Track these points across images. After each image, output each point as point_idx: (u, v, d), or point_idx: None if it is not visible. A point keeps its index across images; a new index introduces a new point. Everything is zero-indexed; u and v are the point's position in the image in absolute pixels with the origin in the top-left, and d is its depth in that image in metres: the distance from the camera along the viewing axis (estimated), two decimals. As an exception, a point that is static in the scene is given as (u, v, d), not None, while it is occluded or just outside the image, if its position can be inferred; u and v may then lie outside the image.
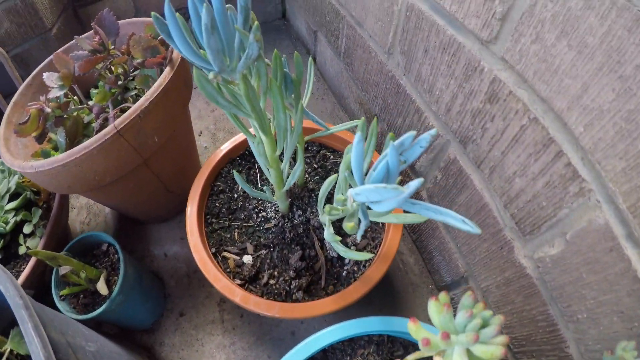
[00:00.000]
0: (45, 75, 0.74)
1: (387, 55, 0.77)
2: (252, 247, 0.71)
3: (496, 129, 0.54)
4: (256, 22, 0.43)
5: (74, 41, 0.88)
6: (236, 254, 0.70)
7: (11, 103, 0.83)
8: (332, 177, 0.59)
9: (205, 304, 0.82)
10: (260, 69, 0.52)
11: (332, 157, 0.78)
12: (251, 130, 0.58)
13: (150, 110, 0.66)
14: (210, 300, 0.82)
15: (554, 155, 0.45)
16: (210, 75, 0.49)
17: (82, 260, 0.80)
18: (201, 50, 0.45)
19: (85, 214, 0.98)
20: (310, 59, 0.63)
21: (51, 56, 0.88)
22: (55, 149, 0.74)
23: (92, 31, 0.88)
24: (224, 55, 0.46)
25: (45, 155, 0.72)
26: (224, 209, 0.75)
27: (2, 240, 0.83)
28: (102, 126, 0.70)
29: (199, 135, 1.04)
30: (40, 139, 0.74)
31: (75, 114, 0.74)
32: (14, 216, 0.85)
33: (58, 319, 0.60)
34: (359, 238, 0.49)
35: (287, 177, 0.71)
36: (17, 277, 0.83)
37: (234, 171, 0.61)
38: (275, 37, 1.23)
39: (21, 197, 0.86)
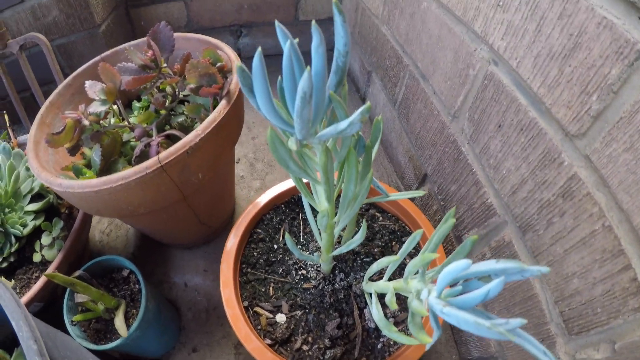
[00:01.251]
0: (87, 84, 0.63)
1: (451, 118, 0.67)
2: (288, 306, 0.61)
3: (564, 225, 0.47)
4: (368, 104, 0.32)
5: (122, 46, 0.77)
6: (270, 311, 0.60)
7: (47, 102, 0.72)
8: (391, 259, 0.49)
9: (221, 344, 0.72)
10: (346, 140, 0.42)
11: (380, 218, 0.68)
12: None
13: (200, 147, 0.56)
14: (227, 342, 0.72)
15: (621, 267, 0.40)
16: (292, 145, 0.39)
17: (99, 281, 0.69)
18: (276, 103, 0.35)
19: (107, 223, 0.87)
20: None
21: (96, 58, 0.77)
22: (88, 165, 0.63)
23: (142, 39, 0.77)
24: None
25: (77, 171, 0.61)
26: (261, 260, 0.64)
27: (17, 244, 0.72)
28: (144, 153, 0.59)
29: (237, 163, 0.93)
30: (72, 150, 0.63)
31: (114, 130, 0.64)
32: (33, 219, 0.75)
33: (67, 347, 0.49)
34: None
35: (338, 243, 0.61)
36: (27, 284, 0.73)
37: (287, 234, 0.51)
38: None
39: (44, 201, 0.75)
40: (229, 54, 0.65)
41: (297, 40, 0.33)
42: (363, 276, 0.64)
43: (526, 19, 0.47)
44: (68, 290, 0.66)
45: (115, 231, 0.87)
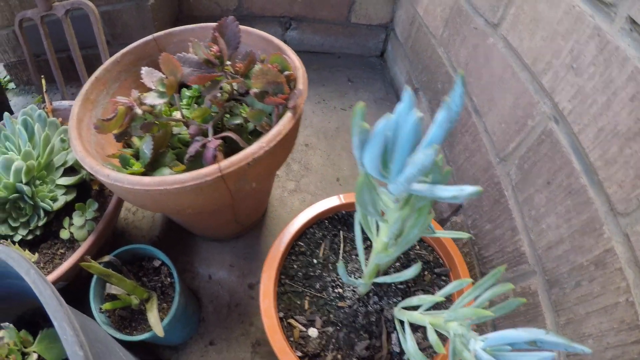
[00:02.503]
0: (144, 71, 0.55)
1: (499, 160, 0.62)
2: (321, 322, 0.57)
3: (591, 290, 0.45)
4: (479, 188, 0.28)
5: (177, 29, 0.69)
6: (303, 325, 0.56)
7: (93, 78, 0.64)
8: (434, 299, 0.46)
9: (239, 341, 0.68)
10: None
11: (417, 247, 0.64)
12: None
13: (262, 159, 0.50)
14: (245, 339, 0.68)
15: (634, 339, 0.39)
16: (391, 204, 0.34)
17: (129, 268, 0.64)
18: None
19: (135, 202, 0.81)
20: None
21: (148, 37, 0.68)
22: (135, 156, 0.56)
23: (199, 25, 0.69)
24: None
25: (124, 161, 0.54)
26: (300, 273, 0.60)
27: (45, 218, 0.65)
28: (199, 153, 0.53)
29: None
30: (119, 137, 0.56)
31: (166, 122, 0.57)
32: (64, 194, 0.68)
33: (97, 338, 0.45)
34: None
35: (381, 272, 0.57)
36: (50, 260, 0.66)
37: (339, 263, 0.46)
38: (368, 76, 1.01)
39: (77, 177, 0.68)
40: (294, 60, 0.58)
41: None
42: (395, 302, 0.60)
43: (597, 89, 0.43)
44: (96, 276, 0.61)
45: (141, 211, 0.81)
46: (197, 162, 0.55)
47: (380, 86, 0.94)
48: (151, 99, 0.52)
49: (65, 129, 0.72)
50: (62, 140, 0.70)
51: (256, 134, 0.61)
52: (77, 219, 0.62)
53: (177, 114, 0.60)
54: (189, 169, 0.54)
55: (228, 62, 0.56)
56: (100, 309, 0.58)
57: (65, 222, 0.67)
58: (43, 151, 0.68)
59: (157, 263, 0.63)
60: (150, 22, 0.87)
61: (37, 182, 0.67)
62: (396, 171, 0.30)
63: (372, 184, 0.36)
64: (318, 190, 0.80)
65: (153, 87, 0.54)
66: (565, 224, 0.49)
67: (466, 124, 0.71)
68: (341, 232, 0.65)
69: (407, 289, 0.61)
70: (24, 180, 0.64)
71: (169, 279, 0.62)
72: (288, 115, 0.53)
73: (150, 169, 0.55)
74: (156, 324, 0.53)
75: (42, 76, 0.74)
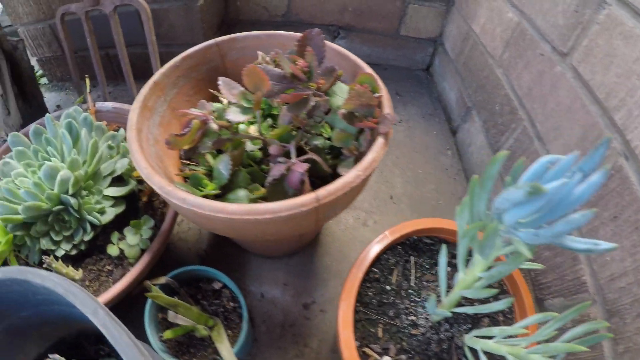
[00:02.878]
0: (222, 82, 0.49)
1: None
2: (395, 350, 0.53)
3: None
4: (615, 245, 0.25)
5: (242, 34, 0.62)
6: (378, 353, 0.52)
7: (151, 83, 0.57)
8: (512, 330, 0.44)
9: (293, 364, 0.63)
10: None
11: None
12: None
13: (357, 187, 0.45)
14: (301, 362, 0.63)
15: None
16: (500, 245, 0.31)
17: (186, 289, 0.58)
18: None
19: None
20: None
21: (210, 42, 0.61)
22: (209, 175, 0.50)
23: (265, 32, 0.63)
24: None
25: (195, 182, 0.48)
26: (374, 301, 0.55)
27: (92, 232, 0.58)
28: (282, 177, 0.47)
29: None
30: (189, 153, 0.50)
31: (242, 139, 0.51)
32: (112, 205, 0.61)
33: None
34: None
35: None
36: (96, 277, 0.59)
37: (432, 299, 0.42)
38: (415, 89, 0.95)
39: (127, 189, 0.61)
40: (378, 81, 0.53)
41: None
42: (465, 329, 0.56)
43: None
44: (150, 300, 0.54)
45: (187, 222, 0.74)
46: (279, 185, 0.49)
47: (428, 101, 0.90)
48: (233, 114, 0.46)
49: (113, 134, 0.64)
50: (110, 147, 0.63)
51: (333, 155, 0.56)
52: (132, 237, 0.56)
53: (250, 130, 0.53)
54: (270, 193, 0.49)
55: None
56: (161, 337, 0.52)
57: (114, 237, 0.60)
58: (91, 159, 0.60)
59: (217, 285, 0.57)
60: (199, 23, 0.79)
61: (83, 192, 0.59)
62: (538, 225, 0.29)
63: (498, 230, 0.32)
64: (372, 207, 0.76)
65: (234, 101, 0.47)
66: (630, 258, 0.48)
67: (528, 149, 0.67)
68: (412, 257, 0.60)
69: (475, 315, 0.58)
70: (70, 192, 0.57)
71: (231, 304, 0.56)
72: (380, 141, 0.48)
73: (224, 190, 0.49)
74: (229, 357, 0.47)
75: (87, 75, 0.67)
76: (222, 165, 0.47)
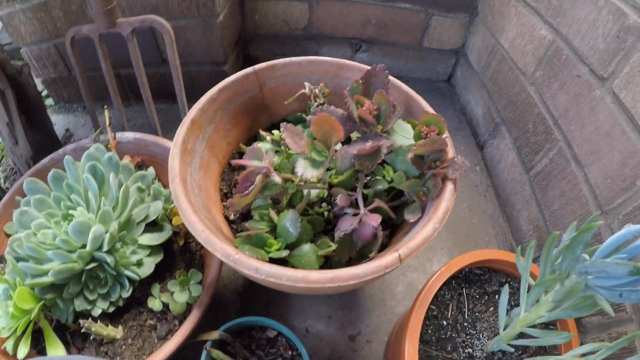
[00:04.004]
0: (287, 130, 0.39)
1: (600, 212, 0.54)
2: (458, 389, 0.47)
3: None
4: None
5: (280, 61, 0.52)
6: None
7: (188, 121, 0.46)
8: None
9: (346, 397, 0.57)
10: None
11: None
12: None
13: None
14: (353, 395, 0.57)
15: None
16: None
17: (239, 341, 0.49)
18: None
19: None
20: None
21: (248, 70, 0.51)
22: (272, 231, 0.41)
23: (298, 59, 0.52)
24: None
25: (260, 242, 0.39)
26: (433, 338, 0.49)
27: (130, 288, 0.49)
28: (353, 232, 0.39)
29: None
30: (247, 209, 0.41)
31: (303, 190, 0.41)
32: (149, 255, 0.50)
33: None
34: None
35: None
36: (138, 334, 0.50)
37: (498, 340, 0.37)
38: (439, 102, 0.87)
39: (166, 235, 0.51)
40: (443, 122, 0.45)
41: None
42: (517, 356, 0.52)
43: None
44: (205, 353, 0.46)
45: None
46: (348, 238, 0.41)
47: (452, 115, 0.82)
48: (304, 169, 0.37)
49: (142, 174, 0.53)
50: (140, 190, 0.52)
51: (390, 197, 0.47)
52: (179, 295, 0.46)
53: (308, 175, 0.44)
54: (339, 248, 0.40)
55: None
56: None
57: (154, 289, 0.50)
58: (123, 207, 0.49)
59: (271, 333, 0.49)
60: (219, 40, 0.67)
61: (117, 245, 0.49)
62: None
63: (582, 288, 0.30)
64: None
65: (299, 151, 0.38)
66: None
67: (564, 171, 0.61)
68: (464, 289, 0.54)
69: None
70: (105, 248, 0.46)
71: (290, 352, 0.48)
72: (450, 187, 0.41)
73: (289, 246, 0.40)
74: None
75: (105, 106, 0.54)
76: (290, 223, 0.38)
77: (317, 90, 0.49)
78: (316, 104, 0.48)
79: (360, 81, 0.41)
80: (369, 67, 0.53)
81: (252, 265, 0.35)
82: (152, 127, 0.62)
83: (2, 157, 0.65)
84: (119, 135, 0.59)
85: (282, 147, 0.47)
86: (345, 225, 0.40)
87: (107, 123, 0.56)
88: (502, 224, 0.73)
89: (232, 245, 0.37)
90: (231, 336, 0.48)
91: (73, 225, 0.45)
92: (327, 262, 0.43)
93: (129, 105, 0.78)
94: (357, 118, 0.40)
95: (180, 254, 0.55)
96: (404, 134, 0.45)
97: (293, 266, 0.40)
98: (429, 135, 0.42)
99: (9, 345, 0.46)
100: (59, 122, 0.80)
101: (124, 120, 0.61)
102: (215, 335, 0.47)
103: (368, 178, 0.45)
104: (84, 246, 0.47)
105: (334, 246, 0.39)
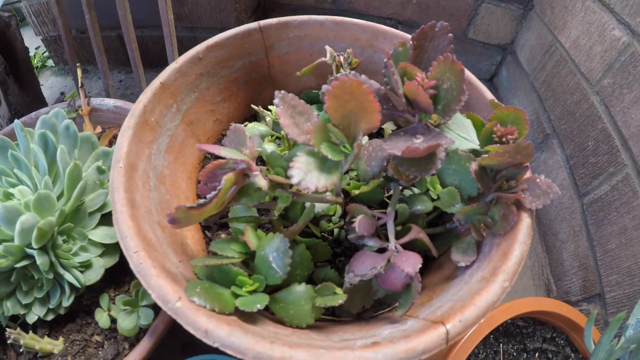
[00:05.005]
0: (281, 100, 0.20)
1: None
2: None
3: None
4: None
5: (294, 19, 0.32)
6: None
7: (157, 84, 0.28)
8: None
9: None
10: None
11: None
12: None
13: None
14: None
15: None
16: None
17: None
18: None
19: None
20: None
21: (251, 25, 0.31)
22: (247, 262, 0.22)
23: (322, 18, 0.32)
24: None
25: (225, 278, 0.20)
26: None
27: (72, 295, 0.31)
28: (374, 278, 0.20)
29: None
30: (212, 226, 0.22)
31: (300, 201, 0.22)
32: (100, 255, 0.33)
33: None
34: None
35: None
36: (82, 350, 0.33)
37: None
38: None
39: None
40: (526, 122, 0.24)
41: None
42: None
43: None
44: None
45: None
46: (365, 285, 0.22)
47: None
48: (304, 172, 0.17)
49: (105, 151, 0.35)
50: (101, 171, 0.33)
51: (429, 221, 0.28)
52: (125, 319, 0.29)
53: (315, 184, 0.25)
54: (350, 298, 0.22)
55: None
56: None
57: (103, 301, 0.33)
58: (70, 191, 0.31)
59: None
60: (231, 4, 0.48)
61: (60, 239, 0.31)
62: None
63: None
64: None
65: (305, 142, 0.19)
66: None
67: (629, 203, 0.40)
68: (501, 345, 0.35)
69: None
70: (35, 245, 0.29)
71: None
72: (527, 223, 0.23)
73: (272, 287, 0.22)
74: None
75: (78, 65, 0.36)
76: (275, 256, 0.20)
77: (341, 58, 0.29)
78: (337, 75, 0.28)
79: (411, 44, 0.21)
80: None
81: (199, 325, 0.17)
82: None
83: None
84: (97, 101, 0.41)
85: (284, 132, 0.28)
86: (364, 268, 0.21)
87: (79, 84, 0.37)
88: (540, 254, 0.52)
89: (175, 283, 0.19)
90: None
91: (0, 210, 0.28)
92: (328, 309, 0.24)
93: (128, 71, 0.59)
94: (403, 97, 0.20)
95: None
96: (461, 133, 0.25)
97: (274, 315, 0.22)
98: (506, 139, 0.22)
99: None
100: (56, 84, 0.63)
101: (108, 85, 0.43)
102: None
103: (404, 193, 0.26)
104: (12, 237, 0.30)
105: (341, 297, 0.20)
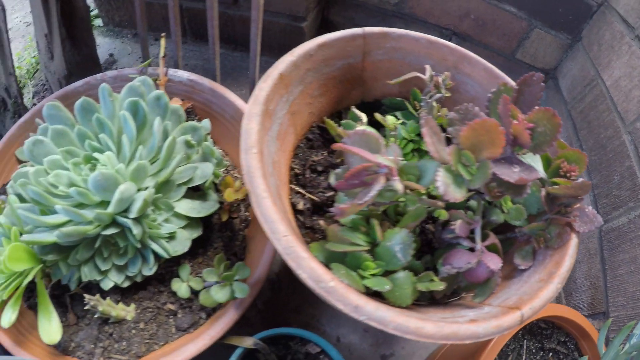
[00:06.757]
0: (428, 129, 0.25)
1: None
2: None
3: None
4: None
5: (396, 32, 0.38)
6: None
7: (275, 76, 0.35)
8: None
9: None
10: None
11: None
12: None
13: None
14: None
15: None
16: None
17: (273, 350, 0.37)
18: None
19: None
20: None
21: (357, 31, 0.37)
22: (369, 250, 0.27)
23: (418, 35, 0.37)
24: None
25: (354, 263, 0.26)
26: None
27: (155, 265, 0.35)
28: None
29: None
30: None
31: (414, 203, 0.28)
32: (185, 227, 0.36)
33: None
34: None
35: None
36: (154, 317, 0.37)
37: None
38: None
39: (212, 208, 0.37)
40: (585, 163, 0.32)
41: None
42: None
43: None
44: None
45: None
46: (453, 276, 0.28)
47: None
48: (445, 185, 0.23)
49: (193, 126, 0.38)
50: (189, 145, 0.36)
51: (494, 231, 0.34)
52: (218, 291, 0.33)
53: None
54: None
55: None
56: None
57: (183, 271, 0.37)
58: (164, 164, 0.35)
59: (313, 349, 0.37)
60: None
61: (150, 210, 0.34)
62: None
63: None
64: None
65: (443, 160, 0.24)
66: None
67: None
68: (525, 341, 0.43)
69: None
70: (133, 214, 0.31)
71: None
72: (575, 242, 0.31)
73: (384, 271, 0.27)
74: None
75: (163, 34, 0.38)
76: (400, 248, 0.25)
77: (440, 79, 0.34)
78: (436, 96, 0.33)
79: (516, 89, 0.27)
80: (494, 67, 0.39)
81: (350, 301, 0.22)
82: (210, 71, 0.46)
83: (36, 71, 0.49)
84: (171, 72, 0.43)
85: (391, 139, 0.33)
86: (461, 262, 0.27)
87: (161, 54, 0.39)
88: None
89: (322, 264, 0.23)
90: (268, 344, 0.35)
91: (95, 178, 0.30)
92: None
93: (184, 42, 0.60)
94: (512, 134, 0.25)
95: (219, 230, 0.40)
96: (532, 163, 0.32)
97: (379, 296, 0.27)
98: (569, 175, 0.30)
99: (-9, 305, 0.32)
100: (104, 45, 0.63)
101: (179, 57, 0.45)
102: (248, 342, 0.34)
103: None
104: (103, 204, 0.32)
105: (441, 284, 0.26)
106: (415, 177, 0.26)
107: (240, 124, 0.29)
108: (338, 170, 0.29)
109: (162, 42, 0.40)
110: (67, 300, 0.38)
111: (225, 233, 0.41)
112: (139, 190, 0.33)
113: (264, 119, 0.30)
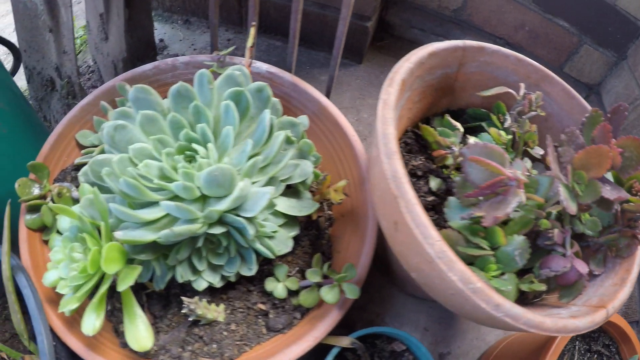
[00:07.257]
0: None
1: None
2: None
3: None
4: None
5: (491, 47, 0.47)
6: None
7: (399, 81, 0.40)
8: None
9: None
10: None
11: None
12: None
13: None
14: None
15: None
16: None
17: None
18: None
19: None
20: None
21: (458, 43, 0.45)
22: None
23: (509, 52, 0.47)
24: None
25: (481, 265, 0.34)
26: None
27: (256, 266, 0.40)
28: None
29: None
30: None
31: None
32: (283, 225, 0.42)
33: None
34: None
35: None
36: (246, 315, 0.42)
37: None
38: None
39: (311, 208, 0.43)
40: None
41: None
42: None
43: None
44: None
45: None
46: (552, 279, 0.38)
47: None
48: (566, 200, 0.33)
49: (291, 121, 0.43)
50: (289, 141, 0.42)
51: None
52: (328, 292, 0.39)
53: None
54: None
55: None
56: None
57: (279, 270, 0.43)
58: (272, 159, 0.40)
59: (398, 347, 0.45)
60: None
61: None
62: None
63: None
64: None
65: (558, 177, 0.33)
66: None
67: None
68: (577, 342, 0.55)
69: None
70: (249, 213, 0.37)
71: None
72: None
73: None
74: None
75: (254, 23, 0.43)
76: (519, 252, 0.34)
77: (533, 97, 0.43)
78: (531, 114, 0.43)
79: (604, 120, 0.38)
80: (571, 89, 0.49)
81: (493, 300, 0.30)
82: (287, 64, 0.51)
83: (80, 52, 0.49)
84: (258, 64, 0.48)
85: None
86: (558, 266, 0.37)
87: (249, 44, 0.44)
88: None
89: (469, 268, 0.31)
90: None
91: (211, 172, 0.35)
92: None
93: (240, 31, 0.64)
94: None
95: (305, 228, 0.47)
96: None
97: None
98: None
99: (68, 309, 0.35)
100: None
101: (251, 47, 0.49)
102: (345, 342, 0.41)
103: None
104: (203, 198, 0.37)
105: (542, 285, 0.36)
106: (534, 190, 0.35)
107: (323, 122, 0.34)
108: (457, 179, 0.37)
109: (252, 31, 0.45)
110: (144, 298, 0.42)
111: (311, 232, 0.47)
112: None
113: (397, 124, 0.37)
